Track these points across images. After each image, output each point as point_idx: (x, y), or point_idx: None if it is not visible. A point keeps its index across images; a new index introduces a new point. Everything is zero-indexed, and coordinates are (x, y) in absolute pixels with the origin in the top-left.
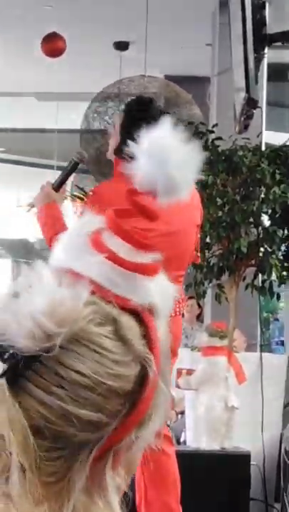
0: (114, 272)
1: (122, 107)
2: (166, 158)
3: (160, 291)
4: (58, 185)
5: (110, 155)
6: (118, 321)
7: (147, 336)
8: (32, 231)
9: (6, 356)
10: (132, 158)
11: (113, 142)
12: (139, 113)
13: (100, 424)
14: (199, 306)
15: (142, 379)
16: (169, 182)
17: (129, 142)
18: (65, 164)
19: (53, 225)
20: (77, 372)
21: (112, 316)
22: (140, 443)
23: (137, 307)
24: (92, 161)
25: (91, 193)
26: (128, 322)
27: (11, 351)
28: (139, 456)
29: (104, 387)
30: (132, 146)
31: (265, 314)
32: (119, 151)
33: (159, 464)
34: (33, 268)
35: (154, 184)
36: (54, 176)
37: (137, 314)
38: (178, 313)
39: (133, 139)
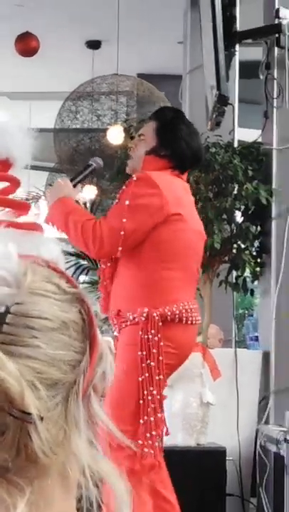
0: (17, 236)
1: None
2: (8, 130)
3: (55, 247)
4: (74, 185)
5: (140, 157)
6: (42, 270)
7: (70, 283)
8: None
9: None
10: (167, 156)
11: (146, 146)
12: (174, 120)
13: (76, 362)
14: None
15: (85, 313)
16: (19, 149)
17: None
18: (38, 163)
19: (66, 220)
20: (42, 318)
21: (40, 269)
22: (106, 373)
23: (48, 262)
24: (67, 160)
25: (135, 179)
26: (48, 271)
27: None
28: (105, 389)
29: (65, 325)
30: None
31: (240, 311)
32: (155, 152)
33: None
34: None
35: (7, 153)
36: (28, 174)
37: (50, 268)
38: (194, 322)
39: (170, 142)
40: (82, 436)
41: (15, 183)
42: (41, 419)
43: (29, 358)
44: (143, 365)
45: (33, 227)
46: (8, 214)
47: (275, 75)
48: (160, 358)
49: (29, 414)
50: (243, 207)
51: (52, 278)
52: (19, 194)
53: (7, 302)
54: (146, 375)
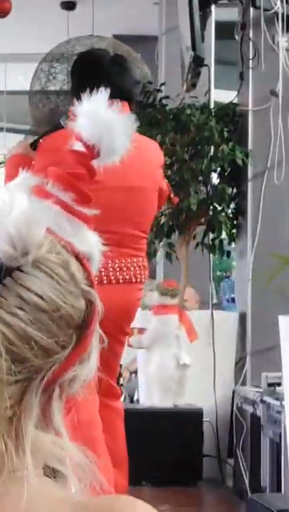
0: (61, 217)
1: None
2: (112, 123)
3: (95, 244)
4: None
5: None
6: (68, 259)
7: (89, 280)
8: None
9: None
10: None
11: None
12: (83, 71)
13: (52, 351)
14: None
15: (87, 315)
16: (112, 144)
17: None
18: (13, 126)
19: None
20: (38, 295)
21: (63, 254)
22: (80, 379)
23: (79, 253)
24: (46, 122)
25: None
26: (76, 263)
27: None
28: (77, 393)
29: (59, 314)
30: (76, 106)
31: (218, 273)
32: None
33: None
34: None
35: (98, 144)
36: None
37: (78, 259)
38: (139, 280)
39: (79, 97)
40: (32, 424)
41: (90, 173)
42: None
43: (7, 325)
44: None
45: (84, 217)
46: (69, 197)
47: (251, 36)
48: None
49: None
50: (219, 168)
51: (70, 267)
52: None
53: (7, 263)
54: None
